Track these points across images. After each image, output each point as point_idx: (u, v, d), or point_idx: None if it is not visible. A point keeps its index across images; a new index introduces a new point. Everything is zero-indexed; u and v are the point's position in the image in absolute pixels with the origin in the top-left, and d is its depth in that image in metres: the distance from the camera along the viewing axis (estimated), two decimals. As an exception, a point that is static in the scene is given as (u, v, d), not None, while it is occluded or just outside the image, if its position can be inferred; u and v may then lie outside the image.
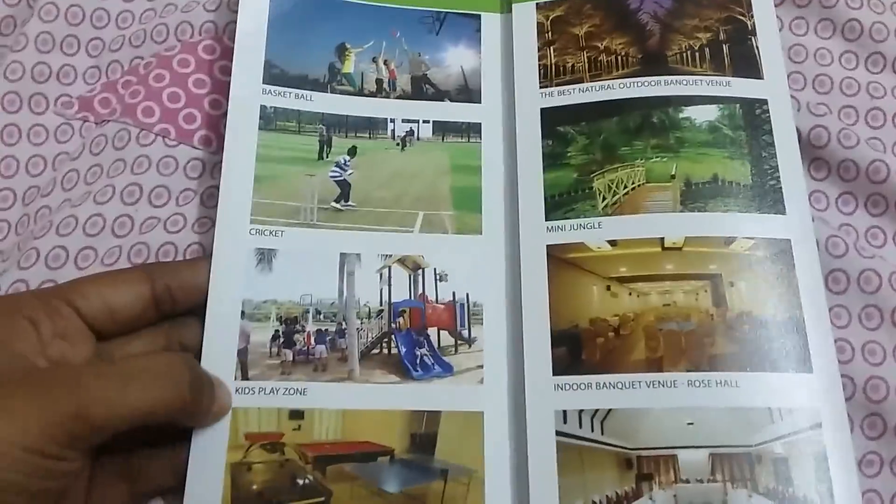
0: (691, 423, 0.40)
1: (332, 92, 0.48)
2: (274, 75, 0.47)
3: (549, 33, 0.49)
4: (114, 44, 0.52)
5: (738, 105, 0.46)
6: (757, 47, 0.47)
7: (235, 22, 0.50)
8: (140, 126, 0.48)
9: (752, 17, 0.48)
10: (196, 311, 0.42)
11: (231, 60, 0.48)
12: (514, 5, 0.50)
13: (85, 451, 0.35)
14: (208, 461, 0.40)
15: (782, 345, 0.41)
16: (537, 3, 0.50)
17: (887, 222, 0.48)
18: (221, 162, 0.47)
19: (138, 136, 0.48)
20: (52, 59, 0.52)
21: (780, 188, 0.44)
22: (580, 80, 0.48)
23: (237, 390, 0.41)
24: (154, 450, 0.40)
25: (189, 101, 0.49)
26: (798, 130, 0.47)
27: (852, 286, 0.45)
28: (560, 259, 0.44)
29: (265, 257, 0.44)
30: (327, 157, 0.47)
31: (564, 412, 0.41)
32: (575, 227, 0.45)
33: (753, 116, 0.46)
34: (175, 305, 0.41)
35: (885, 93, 0.51)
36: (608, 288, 0.44)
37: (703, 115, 0.46)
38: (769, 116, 0.46)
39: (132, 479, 0.39)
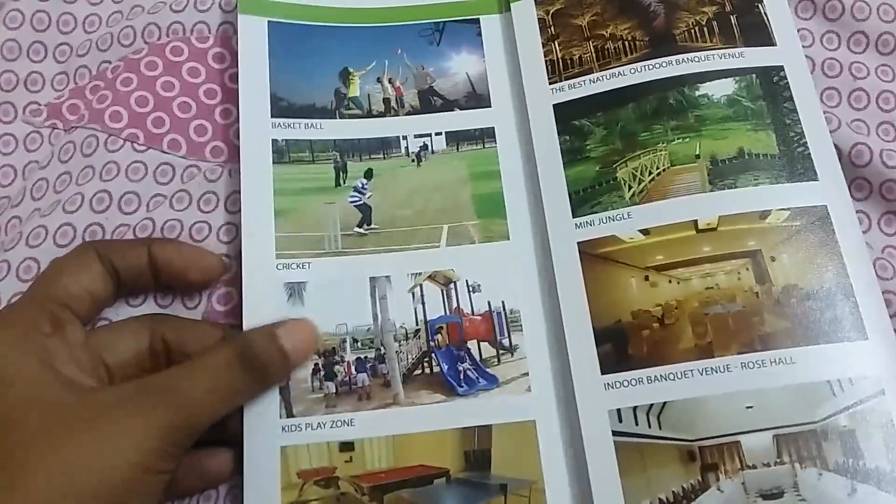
0: (751, 407, 0.39)
1: (340, 117, 0.48)
2: (281, 108, 0.47)
3: (552, 28, 0.48)
4: (81, 48, 0.52)
5: (754, 75, 0.45)
6: (765, 13, 0.46)
7: (203, 22, 0.50)
8: (108, 132, 0.47)
9: (758, -18, 0.47)
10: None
11: (199, 61, 0.49)
12: (512, 4, 0.49)
13: (181, 457, 0.36)
14: (262, 503, 0.39)
15: (833, 314, 0.40)
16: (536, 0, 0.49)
17: (871, 206, 0.46)
18: (192, 166, 0.47)
19: (106, 141, 0.47)
20: (20, 67, 0.51)
21: (809, 154, 0.43)
22: (590, 71, 0.47)
23: (283, 429, 0.41)
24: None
25: (157, 104, 0.48)
26: (839, 148, 0.46)
27: None
28: (593, 255, 0.43)
29: (295, 291, 0.43)
30: (344, 182, 0.47)
31: (618, 411, 0.40)
32: (604, 221, 0.44)
33: (771, 84, 0.45)
34: (121, 285, 0.41)
35: (868, 73, 0.49)
36: (646, 278, 0.43)
37: (719, 89, 0.45)
38: (787, 82, 0.45)
39: None
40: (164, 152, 0.47)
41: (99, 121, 0.48)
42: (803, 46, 0.48)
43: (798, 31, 0.49)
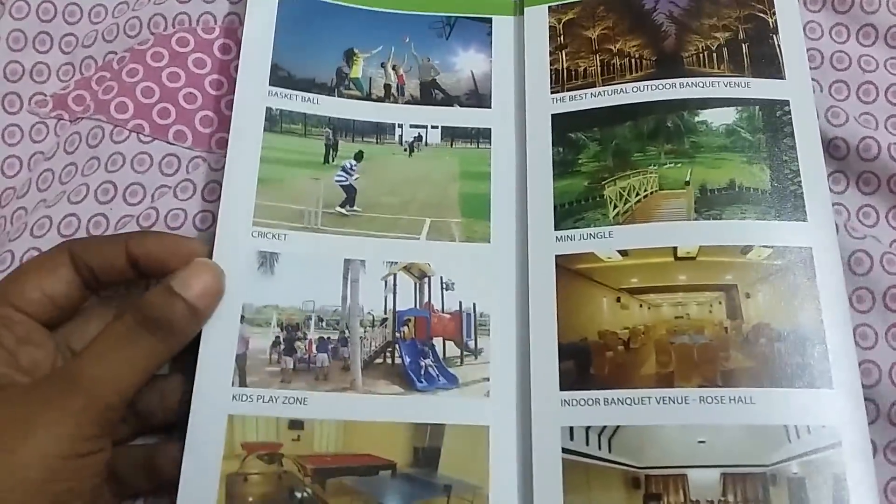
0: (703, 442, 0.39)
1: (339, 96, 0.48)
2: (280, 78, 0.47)
3: (562, 37, 0.48)
4: (87, 39, 0.51)
5: (757, 107, 0.44)
6: (779, 45, 0.45)
7: (209, 13, 0.50)
8: (114, 122, 0.47)
9: (774, 13, 0.46)
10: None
11: (205, 52, 0.49)
12: (526, 8, 0.49)
13: (110, 434, 0.36)
14: (202, 470, 0.39)
15: (801, 359, 0.39)
16: (550, 6, 0.49)
17: (879, 200, 0.46)
18: (197, 157, 0.47)
19: (112, 132, 0.47)
20: (25, 58, 0.51)
21: (802, 193, 0.42)
22: (593, 85, 0.46)
23: (234, 397, 0.40)
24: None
25: (163, 95, 0.48)
26: (846, 142, 0.46)
27: (843, 269, 0.43)
28: (569, 270, 0.43)
29: (267, 261, 0.43)
30: (333, 160, 0.46)
31: (571, 428, 0.40)
32: (585, 237, 0.43)
33: (774, 118, 0.44)
34: (100, 285, 0.40)
35: (878, 66, 0.49)
36: (618, 300, 0.42)
37: (720, 118, 0.44)
38: (791, 118, 0.44)
39: (116, 482, 0.39)
40: (170, 143, 0.47)
41: (105, 112, 0.48)
42: (812, 39, 0.49)
43: (806, 23, 0.49)
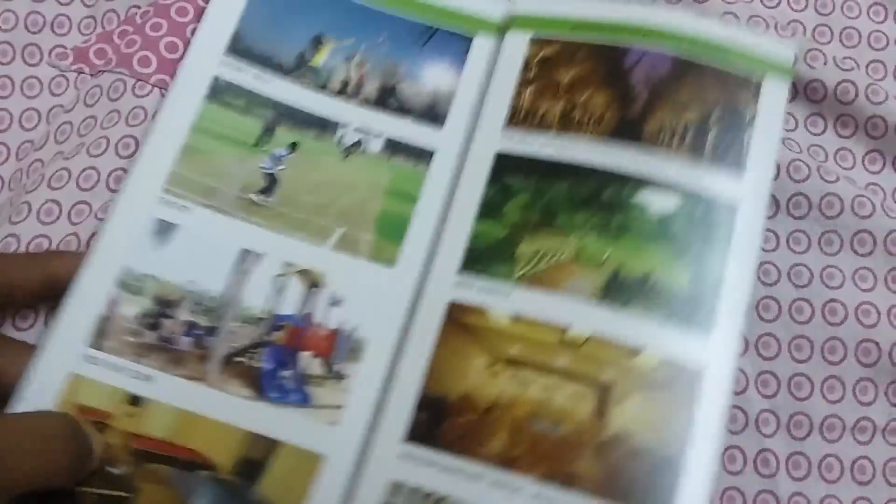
0: (521, 540, 0.36)
1: (292, 81, 0.46)
2: (239, 48, 0.45)
3: (532, 72, 0.44)
4: None
5: (702, 201, 0.40)
6: (748, 143, 0.41)
7: None
8: (136, 76, 0.46)
9: (756, 107, 0.42)
10: None
11: None
12: (509, 32, 0.46)
13: None
14: None
15: (653, 483, 0.36)
16: (532, 37, 0.45)
17: (855, 143, 0.47)
18: None
19: (134, 86, 0.46)
20: (46, 9, 0.50)
21: (715, 307, 0.38)
22: (547, 131, 0.43)
23: (84, 358, 0.40)
24: None
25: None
26: (824, 85, 0.46)
27: (878, 248, 0.44)
28: (456, 321, 0.40)
29: (163, 230, 0.42)
30: (265, 145, 0.45)
31: (396, 484, 0.37)
32: (483, 290, 0.40)
33: (716, 219, 0.40)
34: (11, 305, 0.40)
35: (860, 12, 0.49)
36: (491, 365, 0.39)
37: (659, 202, 0.40)
38: (734, 222, 0.39)
39: None
40: None
41: (127, 65, 0.47)
42: (849, 17, 0.49)
43: (844, 2, 0.50)
